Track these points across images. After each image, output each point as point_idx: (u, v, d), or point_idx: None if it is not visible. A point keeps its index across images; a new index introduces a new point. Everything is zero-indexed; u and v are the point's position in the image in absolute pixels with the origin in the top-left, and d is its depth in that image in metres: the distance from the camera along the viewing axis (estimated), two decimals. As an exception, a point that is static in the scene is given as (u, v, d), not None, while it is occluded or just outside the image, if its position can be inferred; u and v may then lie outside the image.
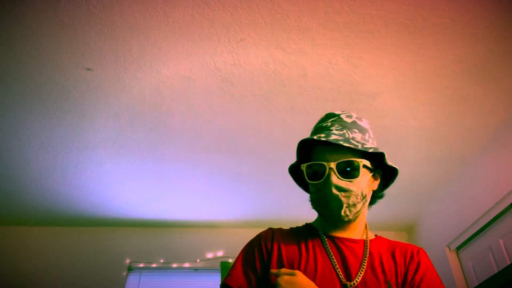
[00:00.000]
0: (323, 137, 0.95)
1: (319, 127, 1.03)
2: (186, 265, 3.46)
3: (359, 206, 0.97)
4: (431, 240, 3.31)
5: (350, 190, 0.94)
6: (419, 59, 2.02)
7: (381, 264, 0.94)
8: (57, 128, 2.48)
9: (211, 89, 2.22)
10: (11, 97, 2.24)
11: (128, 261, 3.43)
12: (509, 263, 2.40)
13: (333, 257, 0.94)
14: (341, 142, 0.93)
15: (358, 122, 1.03)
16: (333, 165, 0.94)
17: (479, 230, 2.70)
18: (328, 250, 0.96)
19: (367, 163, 0.98)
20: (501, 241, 2.52)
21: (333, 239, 0.98)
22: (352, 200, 0.95)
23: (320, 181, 0.94)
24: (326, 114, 1.06)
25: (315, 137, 0.95)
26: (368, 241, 1.00)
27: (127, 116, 2.40)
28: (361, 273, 0.91)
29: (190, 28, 1.87)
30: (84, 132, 2.52)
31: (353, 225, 1.00)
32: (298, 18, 1.82)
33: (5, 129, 2.48)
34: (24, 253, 3.45)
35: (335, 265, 0.92)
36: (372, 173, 1.01)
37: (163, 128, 2.50)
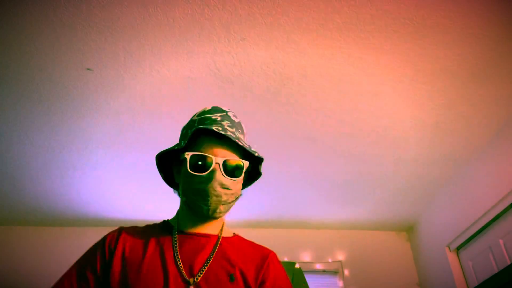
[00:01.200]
0: (221, 130, 0.94)
1: (207, 118, 1.00)
2: (186, 265, 3.46)
3: (231, 204, 0.98)
4: (431, 240, 3.32)
5: (231, 189, 0.95)
6: (419, 59, 2.02)
7: (229, 259, 0.94)
8: (57, 128, 2.48)
9: (211, 89, 2.22)
10: (11, 97, 2.24)
11: (128, 261, 3.43)
12: (509, 263, 2.40)
13: (178, 254, 0.92)
14: (236, 140, 0.94)
15: (242, 124, 1.05)
16: (220, 160, 0.93)
17: (479, 230, 2.70)
18: (176, 247, 0.94)
19: (247, 165, 0.98)
20: (501, 241, 2.52)
21: (186, 235, 0.97)
22: (230, 198, 0.95)
23: (204, 174, 0.92)
24: (213, 107, 1.04)
25: (213, 128, 0.93)
26: (221, 237, 0.99)
27: (127, 116, 2.40)
28: (204, 268, 0.90)
29: (190, 28, 1.87)
30: (84, 132, 2.52)
31: (212, 221, 1.00)
32: (298, 18, 1.82)
33: (5, 129, 2.48)
34: (24, 253, 3.45)
35: (179, 262, 0.90)
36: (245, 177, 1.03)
37: (163, 128, 2.49)
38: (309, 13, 1.80)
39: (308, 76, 2.13)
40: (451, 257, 3.04)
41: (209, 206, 0.93)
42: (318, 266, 3.50)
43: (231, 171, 0.94)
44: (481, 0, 1.74)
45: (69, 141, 2.59)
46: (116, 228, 1.04)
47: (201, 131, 0.97)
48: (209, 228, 0.99)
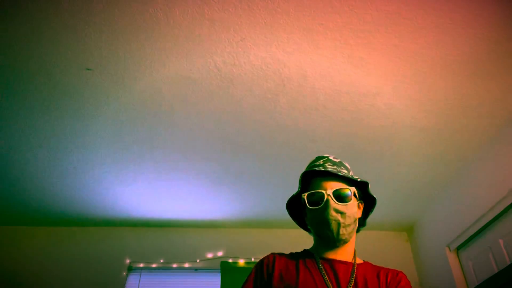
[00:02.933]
0: (322, 168, 1.17)
1: (313, 166, 1.22)
2: (186, 265, 3.46)
3: (352, 226, 1.15)
4: (431, 240, 3.31)
5: (345, 212, 1.13)
6: (419, 59, 2.02)
7: (365, 282, 1.10)
8: (57, 128, 2.48)
9: (211, 89, 2.22)
10: (11, 97, 2.24)
11: (128, 261, 3.43)
12: (509, 263, 2.40)
13: (325, 275, 1.10)
14: (335, 172, 1.16)
15: (344, 162, 1.25)
16: (330, 192, 1.14)
17: (479, 230, 2.70)
18: (321, 269, 1.12)
19: (355, 191, 1.18)
20: (501, 241, 2.52)
21: (326, 261, 1.15)
22: (347, 220, 1.13)
23: (320, 206, 1.13)
24: (316, 157, 1.26)
25: (315, 168, 1.18)
26: (355, 264, 1.15)
27: (127, 116, 2.40)
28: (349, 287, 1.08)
29: (190, 28, 1.87)
30: (84, 132, 2.52)
31: (344, 248, 1.17)
32: (298, 18, 1.82)
33: (5, 129, 2.48)
34: (24, 253, 3.45)
35: (327, 281, 1.08)
36: (358, 201, 1.21)
37: (163, 128, 2.50)
38: (309, 13, 1.80)
39: (308, 76, 2.13)
40: (451, 257, 3.04)
41: (333, 230, 1.12)
42: (318, 266, 3.50)
43: (342, 198, 1.14)
44: (481, 0, 1.74)
45: (69, 141, 2.59)
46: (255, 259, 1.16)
47: (310, 176, 1.22)
48: (343, 255, 1.16)
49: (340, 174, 1.17)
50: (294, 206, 1.28)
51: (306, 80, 2.15)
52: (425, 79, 2.14)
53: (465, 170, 2.81)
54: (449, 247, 3.06)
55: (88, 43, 1.94)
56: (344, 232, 1.13)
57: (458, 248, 3.01)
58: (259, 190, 3.15)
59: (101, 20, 1.83)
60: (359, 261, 1.20)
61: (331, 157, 1.25)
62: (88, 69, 2.08)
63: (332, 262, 1.14)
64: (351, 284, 1.08)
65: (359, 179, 1.19)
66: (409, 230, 3.74)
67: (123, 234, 3.59)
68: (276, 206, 3.33)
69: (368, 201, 1.27)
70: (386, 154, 2.71)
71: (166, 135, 2.55)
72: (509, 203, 2.39)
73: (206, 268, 3.46)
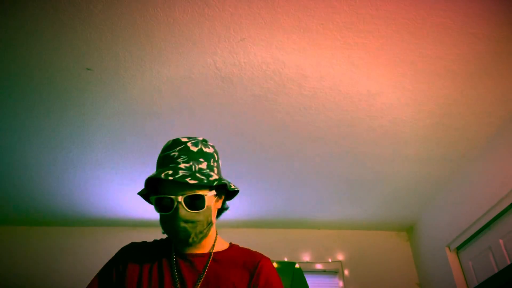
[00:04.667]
0: (170, 174, 0.97)
1: (166, 157, 1.06)
2: (186, 265, 3.46)
3: (205, 231, 1.04)
4: (431, 240, 3.31)
5: (197, 221, 1.00)
6: (419, 59, 2.02)
7: (219, 277, 1.02)
8: (57, 128, 2.48)
9: (211, 89, 2.22)
10: (11, 97, 2.24)
11: (128, 261, 3.43)
12: (509, 263, 2.40)
13: (176, 272, 1.03)
14: (187, 180, 0.96)
15: (204, 149, 1.07)
16: (180, 199, 0.98)
17: (479, 230, 2.70)
18: (173, 266, 1.05)
19: (212, 193, 1.04)
20: (501, 241, 2.52)
21: (181, 256, 1.07)
22: (199, 228, 1.01)
23: (169, 213, 0.99)
24: (173, 141, 1.09)
25: (162, 176, 0.97)
26: (212, 254, 1.08)
27: (127, 116, 2.40)
28: (197, 285, 1.00)
29: (190, 28, 1.87)
30: (84, 132, 2.52)
31: (201, 244, 1.08)
32: (298, 18, 1.82)
33: (5, 129, 2.48)
34: (24, 253, 3.45)
35: (176, 280, 1.01)
36: (216, 197, 1.08)
37: (163, 128, 2.50)
38: (309, 13, 1.80)
39: (308, 76, 2.13)
40: (451, 257, 3.04)
41: (181, 240, 1.01)
42: (318, 266, 3.50)
43: (194, 204, 1.00)
44: (481, 0, 1.74)
45: (69, 141, 2.59)
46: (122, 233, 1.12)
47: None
48: (201, 248, 1.08)
49: (190, 182, 0.96)
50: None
51: (306, 80, 2.15)
52: (425, 79, 2.14)
53: (465, 170, 2.81)
54: (449, 247, 3.06)
55: (88, 43, 1.94)
56: (195, 239, 1.02)
57: (458, 248, 3.01)
58: (259, 190, 3.15)
59: (101, 20, 1.83)
60: (223, 246, 1.12)
61: (189, 144, 1.06)
62: (88, 69, 2.08)
63: (185, 257, 1.06)
64: (199, 280, 1.02)
65: (215, 183, 1.01)
66: (409, 230, 3.74)
67: (123, 234, 3.58)
68: (275, 206, 3.33)
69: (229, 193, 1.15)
70: (386, 154, 2.71)
71: (166, 135, 2.55)
72: (509, 203, 2.39)
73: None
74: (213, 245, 1.10)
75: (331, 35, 1.90)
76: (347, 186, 3.08)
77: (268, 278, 1.05)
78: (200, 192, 1.01)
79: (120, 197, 3.21)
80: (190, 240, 1.01)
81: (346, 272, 3.49)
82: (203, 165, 1.04)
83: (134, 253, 1.11)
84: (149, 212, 3.43)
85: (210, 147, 1.11)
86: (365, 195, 3.19)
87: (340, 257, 3.57)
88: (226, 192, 1.13)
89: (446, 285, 3.03)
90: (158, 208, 1.02)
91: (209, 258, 1.07)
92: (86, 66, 2.06)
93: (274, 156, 2.75)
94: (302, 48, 1.97)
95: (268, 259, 1.11)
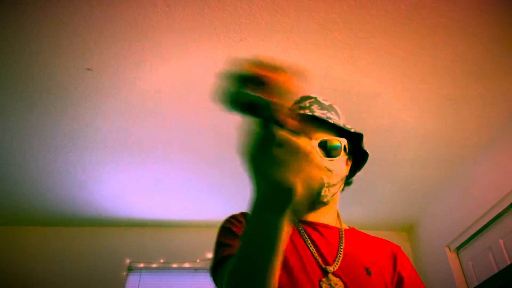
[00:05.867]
0: (308, 112, 0.91)
1: (298, 107, 0.97)
2: (186, 265, 3.46)
3: (337, 187, 0.94)
4: (431, 240, 3.31)
5: (331, 170, 0.91)
6: (419, 59, 2.02)
7: (358, 253, 0.90)
8: (57, 128, 2.48)
9: (211, 89, 2.22)
10: (11, 97, 2.24)
11: (128, 261, 3.43)
12: (509, 263, 2.40)
13: (309, 241, 0.89)
14: (326, 119, 0.90)
15: (334, 106, 1.01)
16: (315, 143, 0.90)
17: (479, 230, 2.70)
18: (303, 234, 0.90)
19: (345, 143, 0.95)
20: (501, 241, 2.52)
21: (307, 224, 0.93)
22: (333, 179, 0.92)
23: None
24: (301, 97, 1.00)
25: (300, 111, 0.91)
26: (343, 230, 0.95)
27: (127, 116, 2.40)
28: (338, 259, 0.86)
29: (190, 28, 1.87)
30: (84, 132, 2.52)
31: (326, 210, 0.96)
32: (298, 18, 1.82)
33: (5, 129, 2.48)
34: (24, 253, 3.45)
35: (312, 249, 0.87)
36: (347, 156, 0.98)
37: (163, 128, 2.49)
38: (309, 13, 1.80)
39: (308, 76, 2.13)
40: (451, 257, 3.04)
41: (313, 190, 0.89)
42: (318, 266, 3.50)
43: (329, 151, 0.91)
44: (481, 0, 1.74)
45: (69, 141, 2.59)
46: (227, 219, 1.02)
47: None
48: (325, 218, 0.95)
49: (329, 121, 0.92)
50: None
51: (306, 80, 2.15)
52: (425, 79, 2.14)
53: (465, 170, 2.81)
54: (449, 247, 3.06)
55: (88, 43, 1.94)
56: (327, 194, 0.91)
57: (458, 248, 3.01)
58: (259, 190, 3.14)
59: (101, 20, 1.83)
60: (344, 226, 0.99)
61: (320, 98, 1.00)
62: (88, 69, 2.08)
63: (314, 225, 0.92)
64: (340, 253, 0.87)
65: (352, 130, 0.96)
66: (409, 230, 3.74)
67: (123, 234, 3.58)
68: (276, 206, 3.32)
69: (358, 156, 1.05)
70: (386, 154, 2.71)
71: (166, 135, 2.55)
72: (509, 203, 2.39)
73: (206, 268, 3.45)
74: (340, 221, 0.98)
75: (331, 35, 1.90)
76: (347, 186, 3.07)
77: (410, 271, 0.94)
78: (336, 138, 0.92)
79: (120, 197, 3.21)
80: (323, 193, 0.90)
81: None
82: (335, 117, 0.96)
83: None
84: (149, 212, 3.43)
85: (338, 108, 1.03)
86: (365, 195, 3.19)
87: (340, 257, 3.57)
88: (353, 158, 1.02)
89: (446, 285, 3.03)
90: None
91: (341, 232, 0.93)
92: (86, 66, 2.06)
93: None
94: (302, 48, 1.97)
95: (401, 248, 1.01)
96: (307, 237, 0.89)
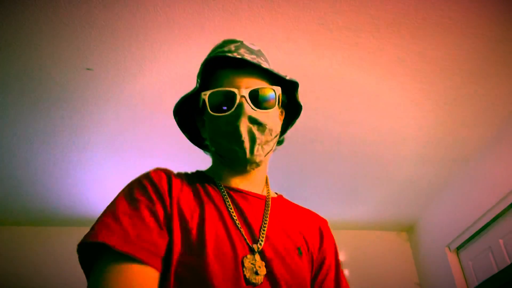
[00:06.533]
0: (236, 55, 0.78)
1: (221, 51, 0.83)
2: (186, 265, 3.46)
3: (271, 144, 0.83)
4: (431, 240, 3.31)
5: (265, 124, 0.78)
6: (419, 59, 2.02)
7: (286, 225, 0.82)
8: (57, 128, 2.48)
9: (211, 89, 2.22)
10: (11, 97, 2.24)
11: (128, 261, 3.43)
12: (509, 263, 2.40)
13: (234, 212, 0.77)
14: (255, 62, 0.78)
15: (263, 52, 0.89)
16: (245, 92, 0.77)
17: (479, 230, 2.70)
18: (229, 204, 0.78)
19: (279, 92, 0.81)
20: (501, 241, 2.52)
21: (233, 191, 0.81)
22: (266, 136, 0.80)
23: (229, 112, 0.76)
24: (224, 40, 0.89)
25: (226, 54, 0.78)
26: (270, 198, 0.84)
27: (127, 116, 2.40)
28: (263, 235, 0.75)
29: (190, 28, 1.87)
30: (84, 132, 2.52)
31: (254, 175, 0.85)
32: (298, 18, 1.82)
33: (5, 129, 2.48)
34: (24, 253, 3.45)
35: (237, 223, 0.75)
36: (280, 109, 0.87)
37: (163, 128, 2.49)
38: (309, 13, 1.80)
39: (308, 76, 2.13)
40: (451, 257, 3.04)
41: (245, 148, 0.78)
42: (318, 266, 3.50)
43: (261, 102, 0.78)
44: (481, 0, 1.74)
45: (69, 140, 2.59)
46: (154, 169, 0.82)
47: (216, 66, 0.82)
48: (253, 185, 0.85)
49: (261, 66, 0.79)
50: (186, 112, 0.89)
51: (306, 80, 2.15)
52: (425, 79, 2.14)
53: (465, 170, 2.81)
54: (449, 247, 3.06)
55: (88, 43, 1.94)
56: (261, 152, 0.80)
57: (458, 248, 3.01)
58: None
59: (101, 20, 1.83)
60: (272, 194, 0.89)
61: (246, 42, 0.87)
62: (88, 69, 2.08)
63: (241, 195, 0.81)
64: (264, 227, 0.76)
65: (287, 77, 0.83)
66: (409, 230, 3.74)
67: (123, 234, 3.58)
68: (276, 206, 3.32)
69: (290, 109, 0.92)
70: (386, 154, 2.71)
71: (166, 135, 2.55)
72: (509, 203, 2.39)
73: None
74: (268, 188, 0.88)
75: (331, 35, 1.90)
76: (347, 186, 3.08)
77: (334, 249, 0.89)
78: (270, 87, 0.80)
79: (120, 197, 3.21)
80: (255, 151, 0.78)
81: (346, 272, 3.49)
82: (266, 64, 0.84)
83: (174, 182, 0.78)
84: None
85: (266, 55, 0.91)
86: (365, 195, 3.19)
87: (340, 257, 3.57)
88: (286, 111, 0.90)
89: (446, 285, 3.03)
90: (212, 109, 0.78)
91: (268, 201, 0.83)
92: (86, 66, 2.06)
93: (273, 156, 2.75)
94: (302, 48, 1.97)
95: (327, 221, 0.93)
96: (232, 207, 0.78)
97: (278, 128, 0.84)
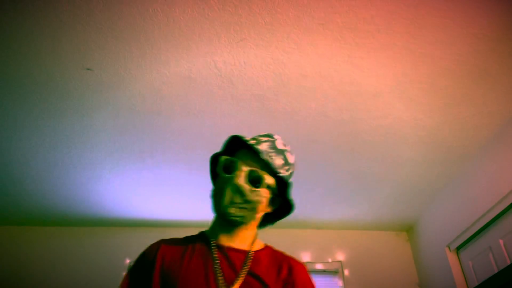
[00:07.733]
0: (255, 144, 1.03)
1: (255, 138, 1.09)
2: (186, 265, 3.46)
3: (248, 211, 1.01)
4: (431, 240, 3.31)
5: (246, 195, 0.99)
6: (419, 59, 2.02)
7: (260, 277, 0.97)
8: (57, 128, 2.48)
9: (211, 89, 2.22)
10: (11, 97, 2.24)
11: (128, 261, 3.43)
12: (509, 263, 2.40)
13: (218, 262, 0.97)
14: (260, 153, 1.01)
15: (287, 154, 1.09)
16: (245, 168, 1.00)
17: (479, 230, 2.70)
18: (214, 256, 0.99)
19: (272, 183, 1.04)
20: (501, 241, 2.52)
21: (218, 247, 1.02)
22: (245, 206, 1.00)
23: (228, 175, 1.01)
24: (267, 133, 1.13)
25: (247, 138, 1.04)
26: (252, 252, 1.03)
27: (127, 116, 2.40)
28: (236, 282, 0.94)
29: (190, 28, 1.87)
30: (84, 132, 2.52)
31: (241, 233, 1.04)
32: (298, 18, 1.82)
33: (5, 129, 2.48)
34: (24, 253, 3.45)
35: (218, 270, 0.95)
36: (271, 196, 1.06)
37: (163, 128, 2.50)
38: (309, 13, 1.80)
39: (308, 76, 2.13)
40: (451, 257, 3.04)
41: (221, 204, 0.98)
42: (318, 266, 3.50)
43: (254, 180, 1.00)
44: (481, 0, 1.74)
45: (70, 141, 2.59)
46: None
47: (242, 146, 1.06)
48: (239, 241, 1.04)
49: (260, 155, 1.01)
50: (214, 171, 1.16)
51: (306, 80, 2.15)
52: (425, 79, 2.14)
53: (465, 170, 2.81)
54: (449, 247, 3.06)
55: (88, 43, 1.94)
56: (236, 212, 0.98)
57: (458, 248, 3.01)
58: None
59: (101, 20, 1.83)
60: (257, 247, 1.06)
61: (278, 141, 1.09)
62: (88, 69, 2.08)
63: (224, 249, 1.01)
64: (240, 276, 0.95)
65: (281, 174, 1.04)
66: (409, 230, 3.74)
67: (123, 234, 3.59)
68: (276, 206, 3.32)
69: (284, 206, 1.12)
70: (386, 154, 2.71)
71: (166, 135, 2.55)
72: (509, 203, 2.39)
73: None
74: (253, 242, 1.06)
75: (331, 35, 1.90)
76: (347, 186, 3.08)
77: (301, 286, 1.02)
78: (263, 172, 1.02)
79: (120, 197, 3.21)
80: (233, 211, 0.98)
81: (346, 272, 3.49)
82: (279, 162, 1.05)
83: (162, 247, 1.04)
84: (149, 212, 3.43)
85: (293, 159, 1.12)
86: (365, 195, 3.19)
87: (340, 257, 3.57)
88: (280, 205, 1.11)
89: (446, 285, 3.03)
90: (222, 169, 1.03)
91: (248, 255, 1.01)
92: (86, 66, 2.06)
93: (274, 156, 2.75)
94: (302, 48, 1.97)
95: (304, 265, 1.08)
96: (216, 258, 0.98)
97: (259, 204, 1.02)
